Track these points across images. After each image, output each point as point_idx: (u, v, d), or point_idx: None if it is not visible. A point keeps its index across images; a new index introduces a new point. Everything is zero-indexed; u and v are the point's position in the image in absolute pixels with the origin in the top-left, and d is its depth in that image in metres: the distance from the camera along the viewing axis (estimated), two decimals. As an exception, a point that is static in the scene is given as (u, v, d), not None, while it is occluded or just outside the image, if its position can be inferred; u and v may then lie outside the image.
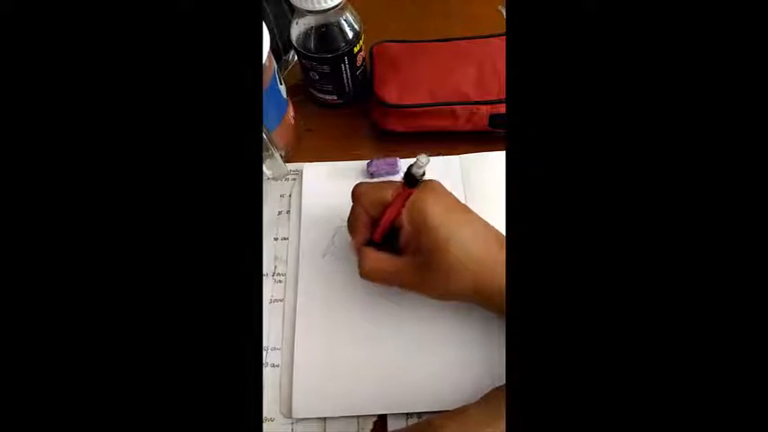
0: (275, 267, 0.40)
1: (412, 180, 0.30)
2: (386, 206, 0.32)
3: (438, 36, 0.47)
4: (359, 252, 0.34)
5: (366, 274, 0.34)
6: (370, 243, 0.35)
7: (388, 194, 0.32)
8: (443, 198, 0.32)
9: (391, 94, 0.43)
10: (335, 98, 0.48)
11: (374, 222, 0.34)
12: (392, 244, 0.34)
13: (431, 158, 0.30)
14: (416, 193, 0.32)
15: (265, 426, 0.34)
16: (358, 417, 0.34)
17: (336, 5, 0.40)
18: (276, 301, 0.38)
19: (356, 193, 0.34)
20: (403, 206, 0.32)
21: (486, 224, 0.33)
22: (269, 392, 0.35)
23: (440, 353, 0.35)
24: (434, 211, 0.31)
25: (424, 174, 0.30)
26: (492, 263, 0.31)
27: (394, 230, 0.33)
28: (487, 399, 0.30)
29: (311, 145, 0.47)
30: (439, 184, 0.33)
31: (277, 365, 0.36)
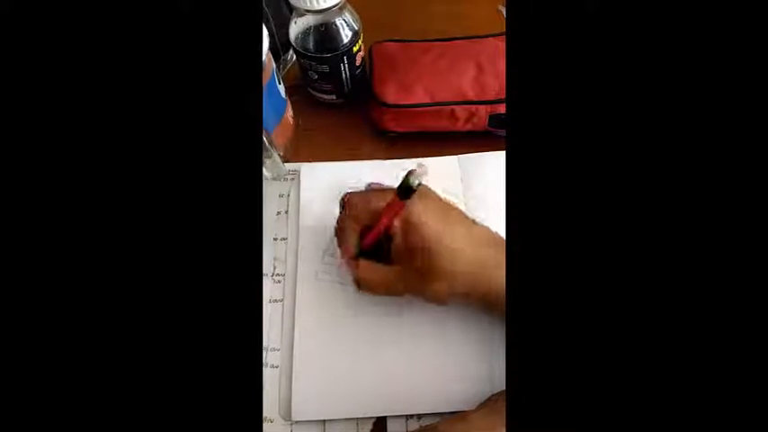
0: (274, 267, 0.40)
1: (407, 191, 0.29)
2: (378, 215, 0.32)
3: (438, 36, 0.47)
4: (350, 264, 0.34)
5: (363, 286, 0.34)
6: (359, 254, 0.34)
7: (379, 204, 0.32)
8: (434, 203, 0.32)
9: (390, 94, 0.43)
10: (334, 98, 0.48)
11: (364, 231, 0.33)
12: (381, 253, 0.33)
13: (429, 159, 0.29)
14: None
15: (265, 426, 0.34)
16: (357, 419, 0.34)
17: (335, 5, 0.40)
18: (275, 301, 0.38)
19: (345, 204, 0.34)
20: (395, 216, 0.31)
21: (477, 225, 0.33)
22: (268, 393, 0.35)
23: (439, 354, 0.35)
24: (426, 217, 0.31)
25: (419, 184, 0.29)
26: (485, 264, 0.31)
27: (383, 239, 0.33)
28: (488, 404, 0.30)
29: (310, 145, 0.46)
30: (427, 187, 0.32)
31: (276, 366, 0.36)
